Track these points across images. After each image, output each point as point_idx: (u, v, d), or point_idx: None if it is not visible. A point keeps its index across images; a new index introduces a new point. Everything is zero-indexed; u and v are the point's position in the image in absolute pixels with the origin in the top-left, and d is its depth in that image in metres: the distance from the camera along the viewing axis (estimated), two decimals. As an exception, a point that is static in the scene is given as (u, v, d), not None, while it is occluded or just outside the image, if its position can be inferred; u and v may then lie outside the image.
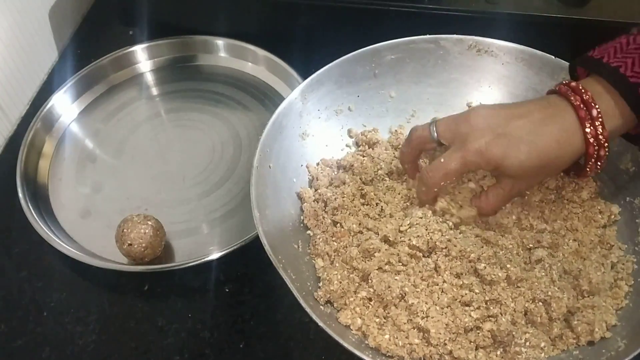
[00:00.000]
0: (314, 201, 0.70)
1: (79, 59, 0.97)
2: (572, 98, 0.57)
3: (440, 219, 0.65)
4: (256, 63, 0.95)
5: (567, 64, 0.67)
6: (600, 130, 0.56)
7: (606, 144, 0.57)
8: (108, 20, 1.03)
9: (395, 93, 0.77)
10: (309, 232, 0.68)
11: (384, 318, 0.60)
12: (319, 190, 0.71)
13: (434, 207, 0.65)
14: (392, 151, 0.74)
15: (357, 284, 0.62)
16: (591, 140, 0.56)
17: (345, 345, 0.54)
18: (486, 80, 0.76)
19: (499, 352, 0.58)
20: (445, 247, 0.63)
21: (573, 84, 0.58)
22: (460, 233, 0.64)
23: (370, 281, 0.61)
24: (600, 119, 0.56)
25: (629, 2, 0.85)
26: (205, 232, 0.77)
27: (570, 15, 0.84)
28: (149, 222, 0.71)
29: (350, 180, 0.71)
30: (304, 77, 0.74)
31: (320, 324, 0.55)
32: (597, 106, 0.56)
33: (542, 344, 0.58)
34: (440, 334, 0.57)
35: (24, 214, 0.75)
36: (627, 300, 0.62)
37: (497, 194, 0.62)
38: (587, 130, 0.56)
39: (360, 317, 0.60)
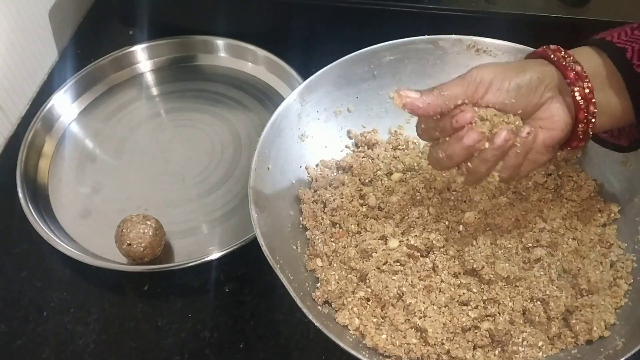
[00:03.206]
0: (313, 202, 0.70)
1: (79, 59, 0.97)
2: (552, 56, 0.56)
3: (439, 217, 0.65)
4: (256, 63, 0.96)
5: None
6: (587, 86, 0.54)
7: (593, 100, 0.54)
8: (108, 20, 1.03)
9: (395, 93, 0.76)
10: (307, 232, 0.68)
11: (382, 318, 0.61)
12: (318, 192, 0.71)
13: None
14: (391, 152, 0.74)
15: (355, 284, 0.62)
16: (579, 99, 0.54)
17: (343, 345, 0.54)
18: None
19: (497, 352, 0.59)
20: (443, 247, 0.63)
21: (552, 46, 0.56)
22: (458, 232, 0.65)
23: (368, 281, 0.61)
24: (586, 78, 0.54)
25: (629, 2, 0.85)
26: (205, 232, 0.77)
27: (570, 15, 0.84)
28: (149, 222, 0.71)
29: (349, 181, 0.71)
30: (304, 77, 0.74)
31: (317, 324, 0.55)
32: (581, 65, 0.54)
33: (540, 343, 0.58)
34: (437, 333, 0.58)
35: (24, 214, 0.75)
36: (627, 299, 0.62)
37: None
38: (575, 89, 0.54)
39: (358, 317, 0.60)
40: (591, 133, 0.56)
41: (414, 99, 0.54)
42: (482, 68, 0.55)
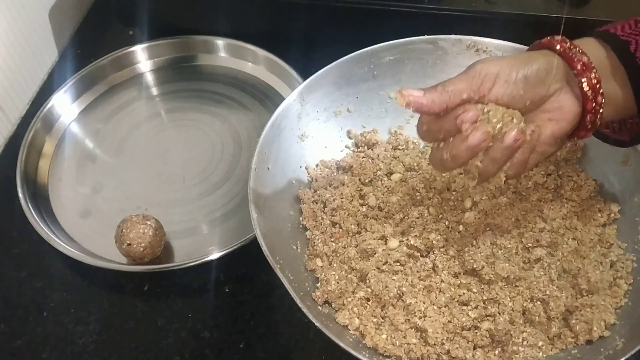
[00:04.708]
0: (313, 202, 0.70)
1: (79, 59, 0.97)
2: (558, 46, 0.55)
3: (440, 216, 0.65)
4: (256, 63, 0.96)
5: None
6: (595, 77, 0.53)
7: (601, 90, 0.53)
8: (108, 20, 1.03)
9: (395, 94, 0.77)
10: (307, 232, 0.68)
11: (382, 318, 0.60)
12: (318, 192, 0.71)
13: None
14: (391, 152, 0.74)
15: (355, 284, 0.62)
16: (587, 90, 0.53)
17: (342, 345, 0.54)
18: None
19: (497, 352, 0.58)
20: (443, 247, 0.63)
21: (557, 37, 0.56)
22: (458, 232, 0.65)
23: (368, 281, 0.61)
24: (593, 69, 0.53)
25: (629, 2, 0.85)
26: (205, 232, 0.77)
27: (570, 15, 0.84)
28: (148, 222, 0.71)
29: (349, 181, 0.71)
30: (304, 77, 0.74)
31: (317, 323, 0.55)
32: (587, 56, 0.54)
33: (540, 343, 0.58)
34: (437, 333, 0.58)
35: (24, 214, 0.75)
36: (627, 299, 0.62)
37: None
38: (583, 80, 0.53)
39: (358, 317, 0.60)
40: (598, 123, 0.55)
41: (418, 97, 0.53)
42: (486, 62, 0.54)
